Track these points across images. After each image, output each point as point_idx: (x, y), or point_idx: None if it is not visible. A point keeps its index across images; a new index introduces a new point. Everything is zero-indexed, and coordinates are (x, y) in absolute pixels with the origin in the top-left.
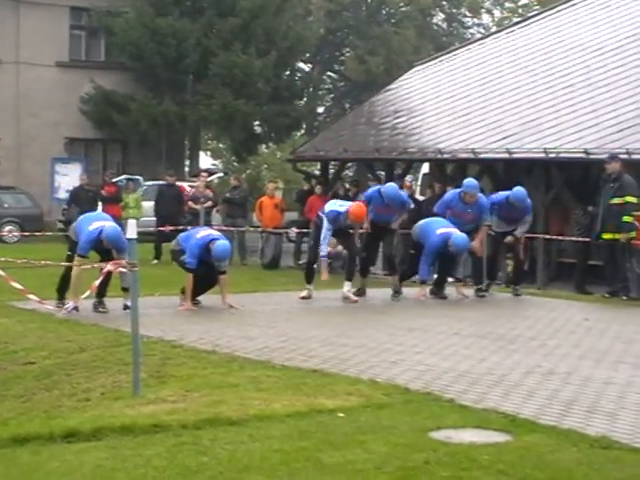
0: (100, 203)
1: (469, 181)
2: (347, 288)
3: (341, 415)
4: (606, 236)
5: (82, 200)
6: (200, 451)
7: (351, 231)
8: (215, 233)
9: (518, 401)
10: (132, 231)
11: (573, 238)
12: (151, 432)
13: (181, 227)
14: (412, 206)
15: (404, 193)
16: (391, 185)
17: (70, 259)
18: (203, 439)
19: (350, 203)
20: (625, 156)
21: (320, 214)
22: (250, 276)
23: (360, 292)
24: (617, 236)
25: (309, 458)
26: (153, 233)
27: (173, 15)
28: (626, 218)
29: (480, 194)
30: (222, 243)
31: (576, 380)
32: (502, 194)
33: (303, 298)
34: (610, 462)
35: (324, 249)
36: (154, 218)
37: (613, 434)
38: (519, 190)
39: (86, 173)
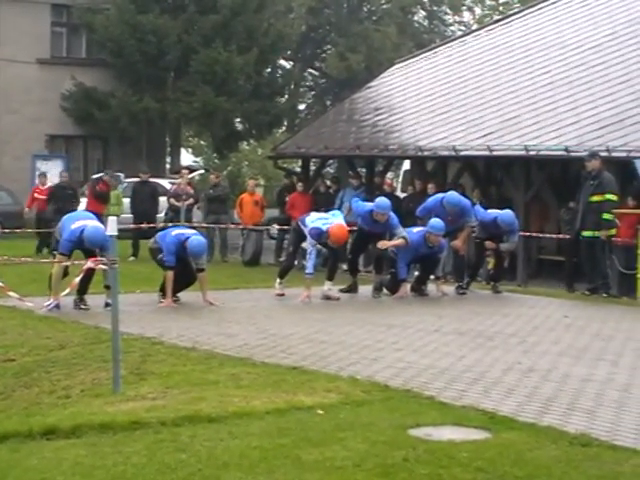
0: (85, 200)
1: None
2: (327, 287)
3: (320, 412)
4: (585, 233)
5: (59, 198)
6: (179, 448)
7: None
8: (189, 231)
9: (497, 398)
10: (113, 228)
11: (554, 235)
12: (130, 429)
13: (162, 224)
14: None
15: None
16: (453, 193)
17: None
18: (182, 436)
19: (335, 219)
20: (605, 154)
21: (300, 223)
22: (231, 273)
23: (352, 288)
24: (597, 233)
25: (288, 455)
26: (131, 230)
27: (154, 12)
28: (606, 215)
29: (462, 199)
30: (196, 239)
31: (555, 377)
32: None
33: (279, 295)
34: (589, 459)
35: (310, 267)
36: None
37: (592, 431)
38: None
39: (67, 170)
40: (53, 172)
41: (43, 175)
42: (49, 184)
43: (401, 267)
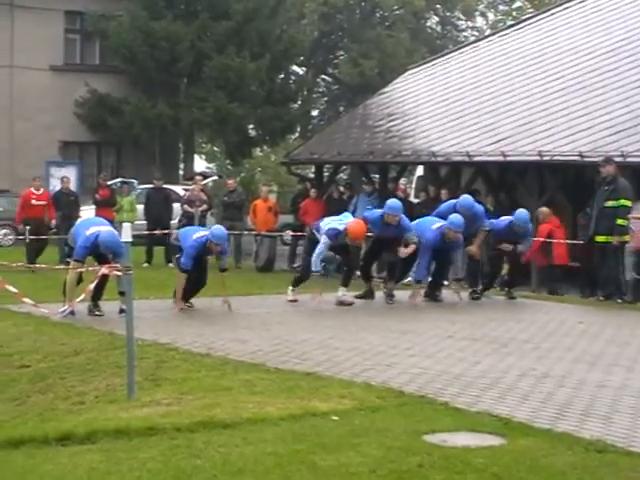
0: (94, 206)
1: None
2: (342, 292)
3: (335, 418)
4: (599, 239)
5: (62, 204)
6: (194, 454)
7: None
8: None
9: (512, 404)
10: (127, 234)
11: (568, 241)
12: (145, 435)
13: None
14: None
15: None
16: (467, 197)
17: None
18: (197, 442)
19: (348, 219)
20: (620, 159)
21: (314, 230)
22: (244, 279)
23: (368, 294)
24: (610, 239)
25: (303, 461)
26: (145, 236)
27: (167, 18)
28: (620, 221)
29: (475, 204)
30: (217, 228)
31: (570, 383)
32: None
33: (292, 301)
34: (605, 466)
35: (318, 264)
36: (145, 221)
37: (608, 437)
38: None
39: (66, 176)
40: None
41: (39, 179)
42: (47, 189)
43: (420, 268)
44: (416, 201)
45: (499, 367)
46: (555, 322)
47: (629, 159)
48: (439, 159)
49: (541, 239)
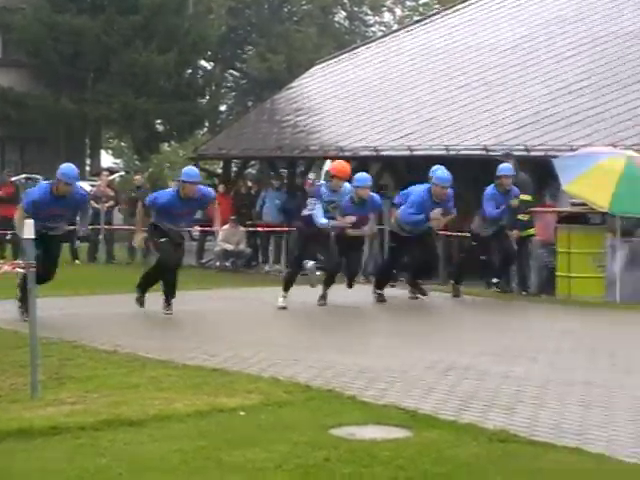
0: None
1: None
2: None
3: (242, 414)
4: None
5: None
6: (99, 453)
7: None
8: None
9: (418, 397)
10: (29, 231)
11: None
12: (49, 435)
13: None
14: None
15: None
16: (442, 169)
17: None
18: (102, 441)
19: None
20: (524, 153)
21: (303, 221)
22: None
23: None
24: (510, 233)
25: (209, 457)
26: None
27: (71, 12)
28: (521, 216)
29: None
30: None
31: (475, 375)
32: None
33: (282, 308)
34: (508, 455)
35: (320, 215)
36: None
37: (511, 427)
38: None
39: None
40: None
41: None
42: None
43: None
44: None
45: (406, 360)
46: (466, 315)
47: (533, 153)
48: (346, 154)
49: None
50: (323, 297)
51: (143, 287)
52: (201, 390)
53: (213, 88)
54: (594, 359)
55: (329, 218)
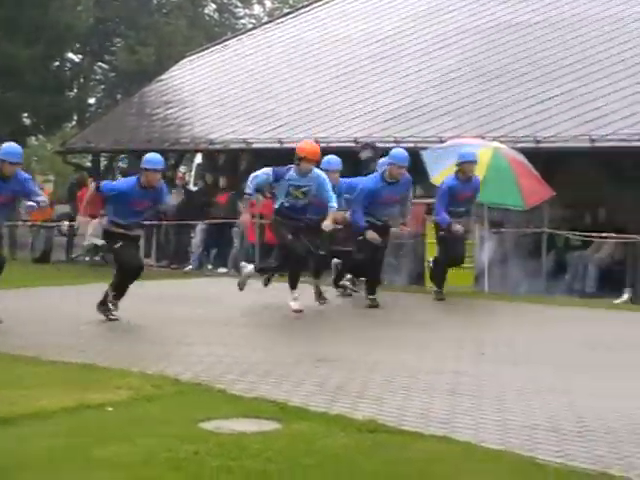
0: None
1: (330, 158)
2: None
3: (110, 409)
4: None
5: None
6: None
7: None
8: None
9: (289, 389)
10: None
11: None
12: None
13: None
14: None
15: None
16: (400, 150)
17: None
18: None
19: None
20: (393, 144)
21: (275, 217)
22: (19, 271)
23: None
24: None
25: (77, 454)
26: None
27: None
28: None
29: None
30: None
31: (345, 366)
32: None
33: (297, 311)
34: (377, 445)
35: (252, 187)
36: None
37: (380, 417)
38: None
39: None
40: None
41: None
42: None
43: (356, 214)
44: (195, 189)
45: (278, 353)
46: (334, 308)
47: (402, 145)
48: (217, 146)
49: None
50: (319, 295)
51: (119, 297)
52: (69, 386)
53: (81, 81)
54: (462, 349)
55: (290, 203)
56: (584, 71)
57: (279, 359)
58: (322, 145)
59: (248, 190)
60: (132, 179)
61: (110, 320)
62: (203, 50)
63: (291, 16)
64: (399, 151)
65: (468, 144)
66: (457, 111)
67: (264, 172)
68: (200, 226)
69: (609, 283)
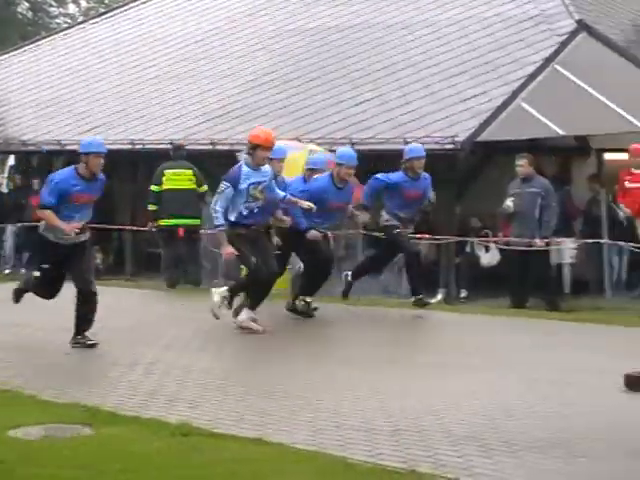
0: None
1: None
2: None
3: None
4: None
5: None
6: None
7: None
8: None
9: (101, 393)
10: None
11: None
12: None
13: None
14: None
15: None
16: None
17: None
18: None
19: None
20: (209, 147)
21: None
22: None
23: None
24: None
25: None
26: None
27: None
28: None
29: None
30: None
31: (159, 369)
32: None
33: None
34: (190, 449)
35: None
36: None
37: (194, 421)
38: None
39: None
40: None
41: None
42: None
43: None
44: (6, 191)
45: (90, 357)
46: (150, 310)
47: (218, 147)
48: (30, 148)
49: None
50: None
51: None
52: None
53: None
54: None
55: (248, 209)
56: (398, 74)
57: (91, 362)
58: (137, 147)
59: (217, 222)
60: (69, 169)
61: None
62: (16, 49)
63: (108, 15)
64: (347, 151)
65: (287, 147)
66: (274, 112)
67: (220, 191)
68: (10, 228)
69: (424, 284)
